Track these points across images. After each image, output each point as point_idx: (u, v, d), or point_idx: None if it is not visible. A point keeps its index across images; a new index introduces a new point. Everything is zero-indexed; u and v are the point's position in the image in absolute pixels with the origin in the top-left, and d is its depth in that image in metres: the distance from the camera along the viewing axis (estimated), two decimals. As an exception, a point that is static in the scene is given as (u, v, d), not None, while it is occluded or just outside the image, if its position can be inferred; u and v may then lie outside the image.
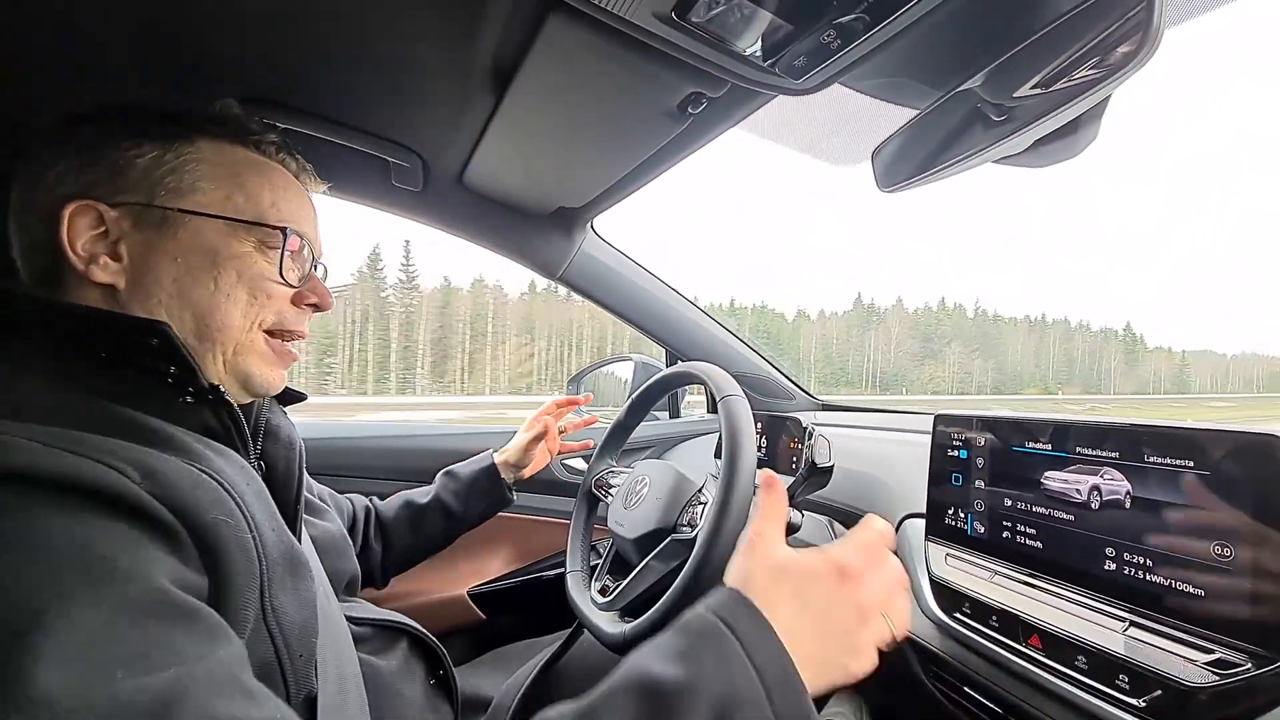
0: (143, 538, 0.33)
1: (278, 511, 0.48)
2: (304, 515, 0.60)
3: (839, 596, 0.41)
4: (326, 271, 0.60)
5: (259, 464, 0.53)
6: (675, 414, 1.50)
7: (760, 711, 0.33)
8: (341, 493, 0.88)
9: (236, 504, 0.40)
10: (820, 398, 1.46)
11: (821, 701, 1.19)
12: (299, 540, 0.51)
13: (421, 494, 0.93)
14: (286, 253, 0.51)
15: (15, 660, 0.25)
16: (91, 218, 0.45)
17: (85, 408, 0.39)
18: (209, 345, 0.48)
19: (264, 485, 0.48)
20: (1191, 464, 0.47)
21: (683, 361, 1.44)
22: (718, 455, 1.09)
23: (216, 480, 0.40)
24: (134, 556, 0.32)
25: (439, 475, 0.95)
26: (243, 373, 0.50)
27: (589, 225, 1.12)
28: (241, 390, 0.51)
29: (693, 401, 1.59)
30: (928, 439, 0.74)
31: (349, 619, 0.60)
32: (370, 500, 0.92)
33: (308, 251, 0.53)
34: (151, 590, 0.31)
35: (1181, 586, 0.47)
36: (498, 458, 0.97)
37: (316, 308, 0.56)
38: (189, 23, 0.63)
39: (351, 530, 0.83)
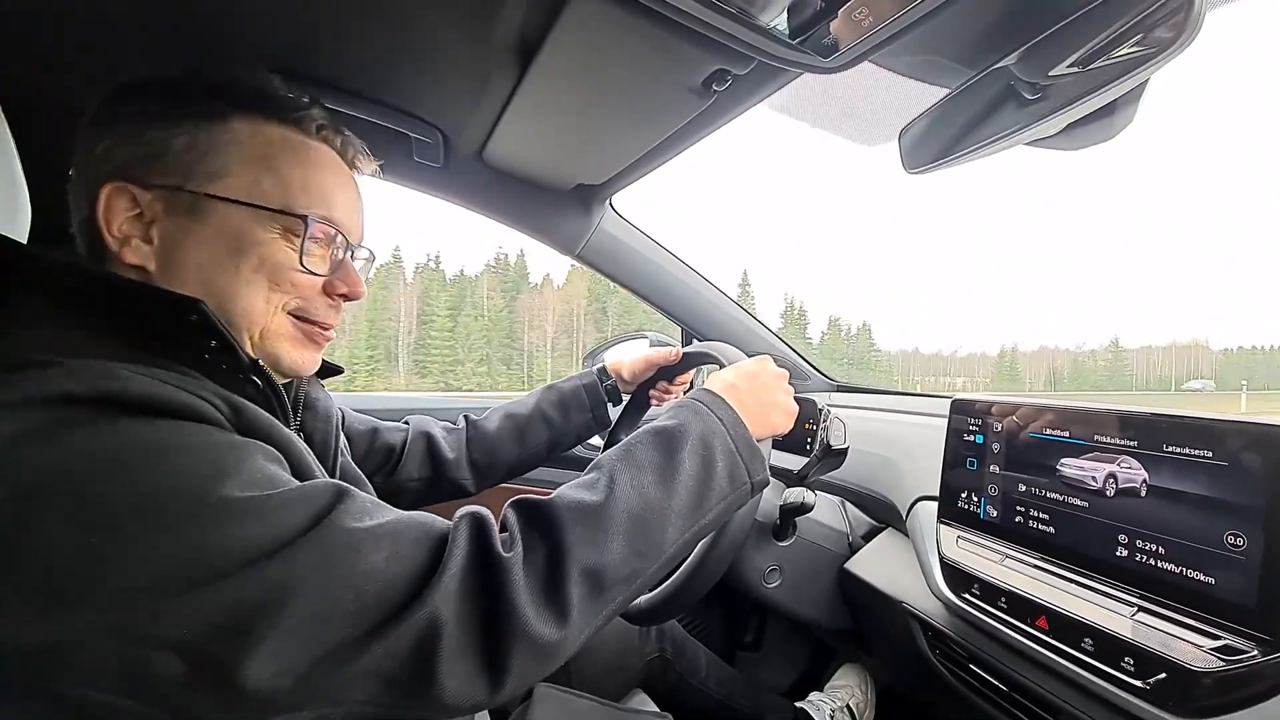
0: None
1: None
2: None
3: (763, 381, 0.65)
4: (373, 256, 0.60)
5: (299, 435, 0.55)
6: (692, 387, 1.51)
7: (724, 440, 0.55)
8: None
9: (304, 450, 0.45)
10: (836, 379, 1.46)
11: (822, 664, 1.22)
12: None
13: (520, 405, 0.93)
14: (309, 240, 0.50)
15: (203, 533, 0.34)
16: (127, 199, 0.45)
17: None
18: (234, 329, 0.49)
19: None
20: (1210, 454, 0.48)
21: (698, 341, 1.45)
22: None
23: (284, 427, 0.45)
24: (242, 450, 0.39)
25: (538, 389, 0.95)
26: (272, 355, 0.51)
27: (608, 203, 1.12)
28: (272, 371, 0.52)
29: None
30: (942, 422, 0.75)
31: None
32: (464, 416, 0.92)
33: (340, 238, 0.52)
34: (267, 470, 0.39)
35: (1192, 574, 0.48)
36: (610, 364, 0.96)
37: (347, 297, 0.54)
38: None
39: (402, 454, 0.83)
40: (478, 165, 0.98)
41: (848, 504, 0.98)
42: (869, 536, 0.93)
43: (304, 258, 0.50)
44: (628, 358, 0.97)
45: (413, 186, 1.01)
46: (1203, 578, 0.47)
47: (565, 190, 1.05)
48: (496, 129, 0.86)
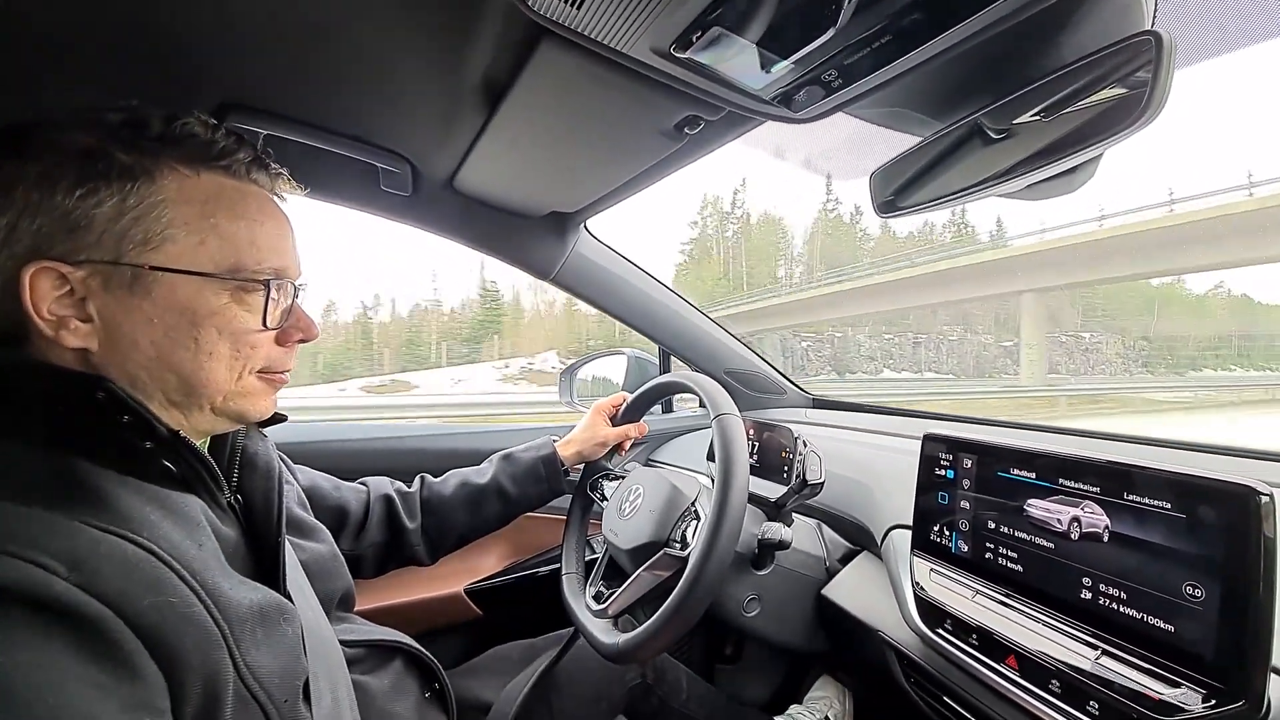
0: (69, 649, 0.33)
1: (249, 556, 0.49)
2: (291, 541, 0.59)
3: None
4: (301, 290, 0.55)
5: (236, 499, 0.52)
6: (668, 408, 1.51)
7: None
8: None
9: (179, 576, 0.39)
10: (812, 393, 1.48)
11: (800, 675, 1.25)
12: (283, 573, 0.50)
13: (477, 474, 0.92)
14: (269, 301, 0.47)
15: None
16: (54, 278, 0.41)
17: (40, 465, 0.39)
18: (195, 399, 0.46)
19: (234, 530, 0.49)
20: (1169, 506, 0.49)
21: (674, 357, 1.45)
22: (710, 458, 1.11)
23: (155, 554, 0.38)
24: (60, 688, 0.32)
25: (496, 458, 0.94)
26: (235, 413, 0.49)
27: (583, 226, 1.11)
28: (233, 424, 0.51)
29: (685, 396, 1.60)
30: (914, 448, 0.76)
31: (341, 642, 0.61)
32: (420, 478, 0.91)
33: (289, 285, 0.50)
34: None
35: (1153, 621, 0.49)
36: (561, 447, 0.97)
37: (303, 340, 0.53)
38: (171, 28, 0.60)
39: (365, 518, 0.82)
40: (448, 193, 0.96)
41: (824, 526, 0.99)
42: (845, 560, 0.94)
43: (266, 319, 0.48)
44: (580, 434, 1.00)
45: (380, 215, 0.99)
46: (1163, 625, 0.49)
47: (539, 216, 1.04)
48: (467, 159, 0.84)
